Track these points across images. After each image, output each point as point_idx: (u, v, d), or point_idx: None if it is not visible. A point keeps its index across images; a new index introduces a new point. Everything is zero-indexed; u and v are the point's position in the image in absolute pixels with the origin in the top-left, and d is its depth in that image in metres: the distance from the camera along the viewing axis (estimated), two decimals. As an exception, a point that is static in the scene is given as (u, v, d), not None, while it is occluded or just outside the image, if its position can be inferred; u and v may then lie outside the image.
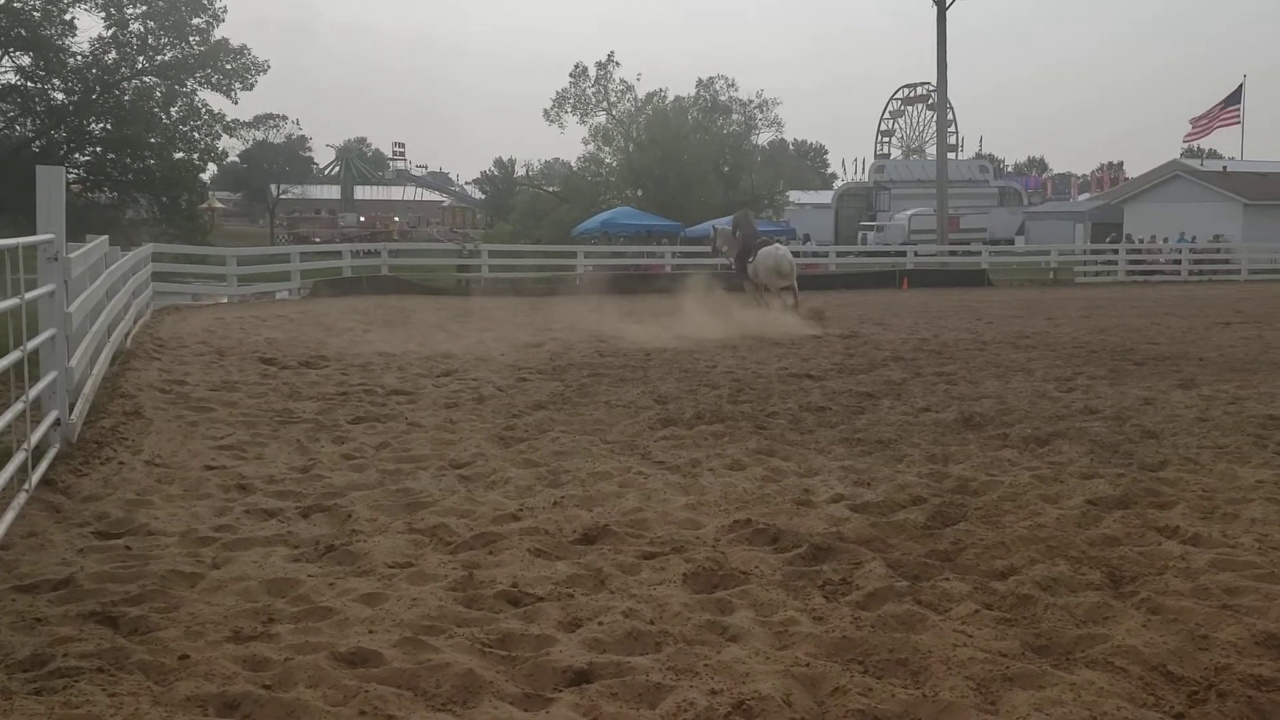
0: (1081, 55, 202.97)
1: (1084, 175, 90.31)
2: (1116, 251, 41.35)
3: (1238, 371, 12.75)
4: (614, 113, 56.48)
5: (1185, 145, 68.43)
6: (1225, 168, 57.53)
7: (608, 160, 57.47)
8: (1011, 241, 58.77)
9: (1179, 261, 40.20)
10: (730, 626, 4.53)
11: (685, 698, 3.82)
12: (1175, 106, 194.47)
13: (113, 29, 36.01)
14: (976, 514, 6.37)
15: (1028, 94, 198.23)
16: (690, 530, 6.01)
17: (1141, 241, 45.53)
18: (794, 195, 64.95)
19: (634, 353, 14.56)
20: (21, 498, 6.26)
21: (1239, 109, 58.84)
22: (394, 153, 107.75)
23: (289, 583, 5.11)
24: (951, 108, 73.12)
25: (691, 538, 5.85)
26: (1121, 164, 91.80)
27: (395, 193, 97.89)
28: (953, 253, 40.62)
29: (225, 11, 36.89)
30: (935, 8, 42.37)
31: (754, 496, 6.79)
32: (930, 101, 77.71)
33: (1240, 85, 58.51)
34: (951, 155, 68.66)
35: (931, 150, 70.64)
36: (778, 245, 19.93)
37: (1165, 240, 45.20)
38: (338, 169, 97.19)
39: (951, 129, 76.14)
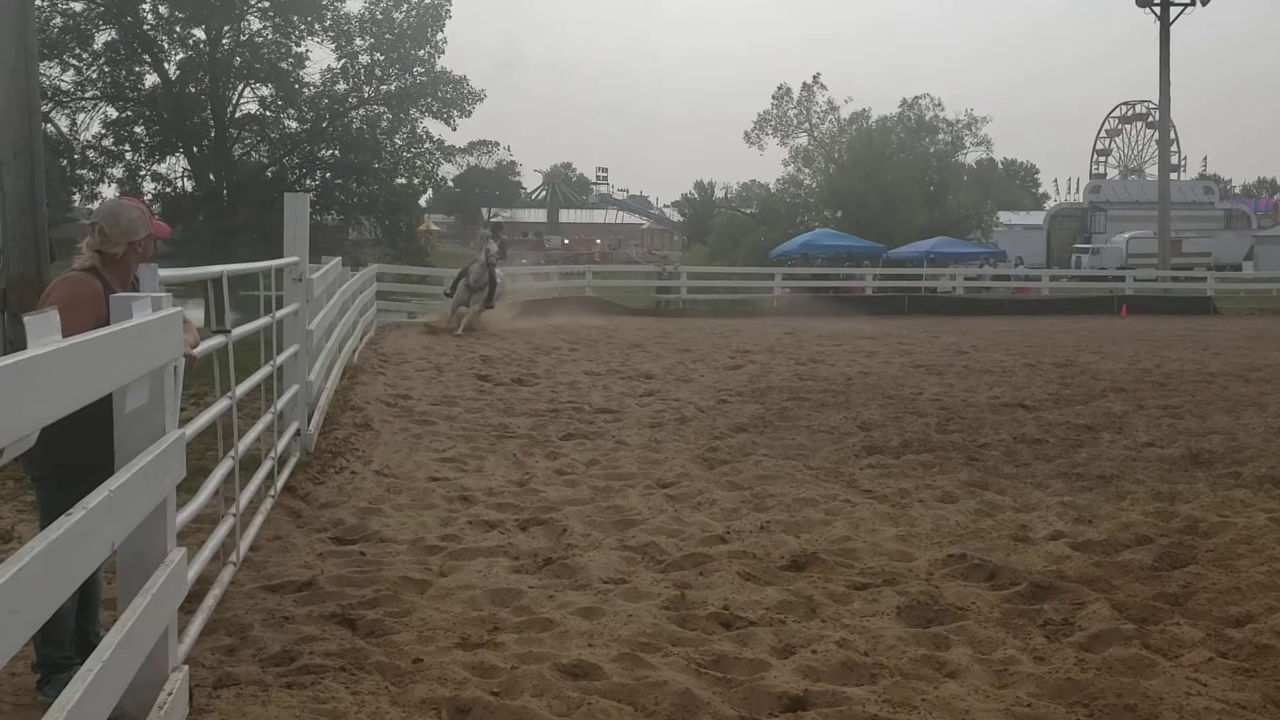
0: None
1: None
2: (1361, 278, 38.26)
3: None
4: (815, 134, 56.17)
5: None
6: None
7: (807, 182, 57.10)
8: (1239, 267, 55.19)
9: None
10: (948, 662, 4.47)
11: (903, 731, 3.80)
12: None
13: (343, 61, 38.38)
14: (1208, 556, 6.05)
15: (1256, 111, 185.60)
16: (901, 562, 5.95)
17: (1391, 267, 41.94)
18: (1003, 216, 62.76)
19: (835, 377, 14.46)
20: (268, 503, 6.76)
21: None
22: (597, 177, 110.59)
23: (511, 593, 5.35)
24: (1173, 125, 69.36)
25: (903, 570, 5.78)
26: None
27: (598, 216, 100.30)
28: (1175, 278, 38.44)
29: (446, 43, 38.66)
30: (1158, 23, 40.38)
31: (967, 530, 6.65)
32: (1150, 119, 73.92)
33: None
34: (1173, 175, 65.03)
35: (1151, 170, 67.13)
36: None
37: None
38: (544, 193, 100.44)
39: (1173, 148, 72.20)
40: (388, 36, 37.87)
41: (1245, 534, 6.50)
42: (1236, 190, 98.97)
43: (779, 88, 56.71)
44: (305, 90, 38.54)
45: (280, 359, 7.50)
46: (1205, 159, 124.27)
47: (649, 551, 6.10)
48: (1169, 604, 5.28)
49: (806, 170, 56.90)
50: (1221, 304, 34.51)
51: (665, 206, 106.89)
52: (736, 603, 5.21)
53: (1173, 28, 40.38)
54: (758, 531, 6.56)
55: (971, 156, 60.23)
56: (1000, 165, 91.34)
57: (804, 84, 56.17)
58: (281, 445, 7.41)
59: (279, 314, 7.46)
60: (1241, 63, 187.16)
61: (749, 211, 60.61)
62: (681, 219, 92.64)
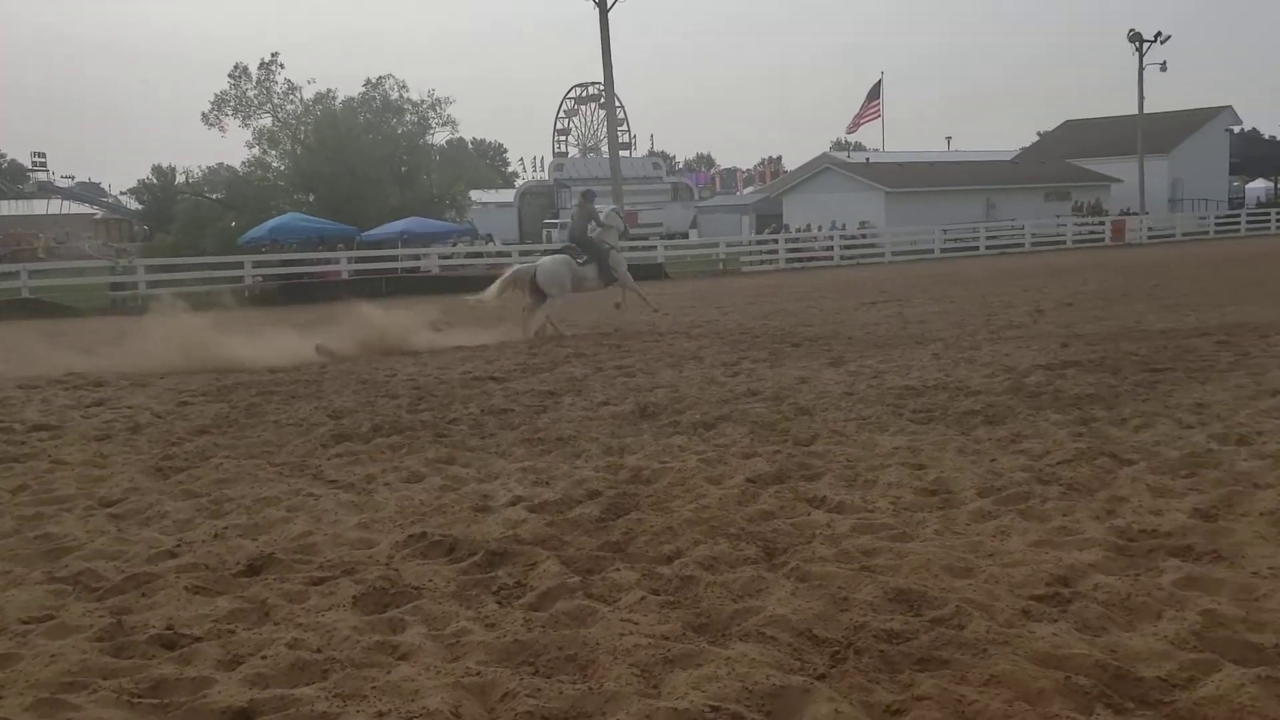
0: (743, 53, 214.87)
1: (749, 170, 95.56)
2: (777, 241, 44.22)
3: (880, 347, 13.94)
4: (280, 115, 54.12)
5: (844, 138, 73.94)
6: (868, 159, 62.65)
7: (275, 164, 55.02)
8: (686, 235, 61.47)
9: (831, 248, 43.50)
10: (401, 645, 4.45)
11: (351, 725, 3.72)
12: (827, 100, 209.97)
13: None
14: (648, 502, 6.59)
15: (697, 95, 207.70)
16: (362, 550, 5.86)
17: (799, 231, 48.97)
18: (476, 194, 64.80)
19: (308, 367, 14.06)
20: None
21: (879, 103, 64.16)
22: (34, 164, 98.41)
23: (-100, 657, 4.54)
24: (623, 106, 75.62)
25: (363, 558, 5.70)
26: (780, 158, 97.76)
27: (38, 207, 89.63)
28: (632, 247, 41.90)
29: None
30: (597, 9, 43.53)
31: (431, 508, 6.70)
32: (602, 100, 79.82)
33: (879, 81, 63.86)
34: (625, 152, 70.89)
35: (607, 148, 72.59)
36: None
37: (820, 228, 48.85)
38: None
39: (624, 127, 78.67)
40: None
41: (680, 476, 7.18)
42: (681, 165, 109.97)
43: (236, 67, 53.65)
44: None
45: None
46: (653, 137, 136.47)
47: (83, 580, 5.48)
48: (612, 552, 5.67)
49: (273, 152, 54.86)
50: (671, 269, 38.25)
51: (121, 194, 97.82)
52: (182, 620, 4.82)
53: (612, 14, 43.74)
54: (212, 540, 6.14)
55: (440, 137, 61.20)
56: (470, 145, 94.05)
57: (262, 62, 53.69)
58: None
59: None
60: (680, 47, 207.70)
61: (215, 197, 57.18)
62: (141, 207, 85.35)
